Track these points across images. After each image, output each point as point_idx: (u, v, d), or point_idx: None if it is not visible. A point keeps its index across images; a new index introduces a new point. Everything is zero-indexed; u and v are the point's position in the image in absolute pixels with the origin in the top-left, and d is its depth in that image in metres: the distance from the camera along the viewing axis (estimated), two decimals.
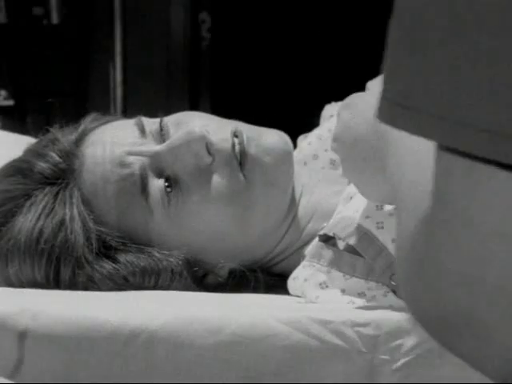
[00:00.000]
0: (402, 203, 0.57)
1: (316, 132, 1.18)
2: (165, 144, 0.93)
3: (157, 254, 0.91)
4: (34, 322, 0.74)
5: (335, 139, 0.80)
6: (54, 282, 0.90)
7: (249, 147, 0.93)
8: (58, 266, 0.90)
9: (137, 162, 0.92)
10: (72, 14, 3.28)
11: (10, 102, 3.25)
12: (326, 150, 1.14)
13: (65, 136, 0.97)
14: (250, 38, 3.35)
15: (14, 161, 0.98)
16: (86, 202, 0.92)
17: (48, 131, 1.00)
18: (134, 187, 0.91)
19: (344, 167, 0.81)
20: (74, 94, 3.28)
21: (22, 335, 0.74)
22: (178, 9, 3.28)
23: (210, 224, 0.92)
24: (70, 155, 0.94)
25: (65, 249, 0.90)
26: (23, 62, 3.26)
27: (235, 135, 0.94)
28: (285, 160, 0.95)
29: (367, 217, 0.85)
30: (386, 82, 0.45)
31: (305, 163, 1.12)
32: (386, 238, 0.83)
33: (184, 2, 3.27)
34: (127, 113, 3.22)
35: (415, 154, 0.62)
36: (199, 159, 0.92)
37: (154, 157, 0.92)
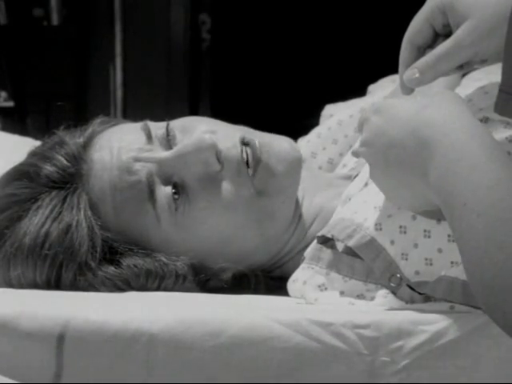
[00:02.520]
0: (467, 206, 0.63)
1: (315, 130, 1.18)
2: (173, 151, 0.92)
3: (163, 259, 0.91)
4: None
5: (365, 144, 0.80)
6: (54, 285, 0.91)
7: (261, 155, 0.93)
8: (60, 271, 0.90)
9: (143, 169, 0.92)
10: (72, 15, 3.28)
11: (10, 104, 3.25)
12: (324, 149, 1.14)
13: (72, 139, 0.96)
14: (250, 39, 3.35)
15: (20, 164, 0.98)
16: (93, 207, 0.92)
17: (53, 133, 1.00)
18: (141, 194, 0.91)
19: (373, 173, 0.81)
20: (73, 96, 3.28)
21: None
22: (178, 10, 3.28)
23: (217, 231, 0.92)
24: (79, 159, 0.93)
25: (68, 254, 0.89)
26: (23, 63, 3.26)
27: (244, 143, 0.94)
28: (295, 168, 0.95)
29: (366, 218, 0.85)
30: (505, 76, 0.48)
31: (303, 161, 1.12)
32: (385, 239, 0.83)
33: (184, 3, 3.27)
34: (127, 114, 3.23)
35: (472, 159, 0.65)
36: (208, 167, 0.91)
37: (162, 163, 0.92)
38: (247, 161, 0.93)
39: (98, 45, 3.31)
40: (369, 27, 3.26)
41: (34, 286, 0.91)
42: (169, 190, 0.91)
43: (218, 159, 0.92)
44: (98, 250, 0.90)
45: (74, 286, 0.90)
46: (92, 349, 0.74)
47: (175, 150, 0.92)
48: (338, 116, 1.15)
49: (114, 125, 1.00)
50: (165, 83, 3.30)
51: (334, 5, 3.32)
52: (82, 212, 0.91)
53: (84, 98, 3.31)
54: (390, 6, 3.16)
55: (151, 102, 3.13)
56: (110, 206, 0.92)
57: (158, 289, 0.91)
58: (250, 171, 0.92)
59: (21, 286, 0.91)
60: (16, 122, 3.17)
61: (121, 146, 0.93)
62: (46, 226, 0.90)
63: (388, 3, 3.20)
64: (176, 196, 0.91)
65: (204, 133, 0.93)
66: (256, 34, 3.35)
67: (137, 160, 0.92)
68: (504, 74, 0.67)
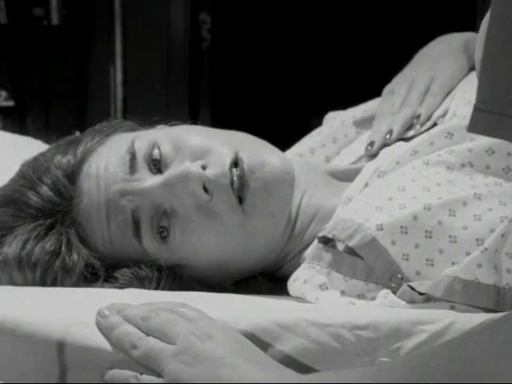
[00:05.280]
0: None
1: (318, 128, 1.17)
2: (160, 179, 0.91)
3: (161, 263, 0.92)
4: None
5: None
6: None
7: (249, 181, 0.91)
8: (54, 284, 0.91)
9: (129, 205, 0.91)
10: (72, 14, 3.28)
11: (10, 103, 3.25)
12: (323, 146, 1.14)
13: (62, 161, 0.94)
14: (250, 38, 3.35)
15: (9, 190, 0.97)
16: (82, 239, 0.92)
17: (46, 139, 0.99)
18: (128, 231, 0.91)
19: None
20: (74, 95, 3.29)
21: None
22: (178, 9, 3.28)
23: (209, 258, 0.92)
24: (67, 197, 0.93)
25: (61, 273, 0.90)
26: (23, 62, 3.26)
27: (235, 164, 0.92)
28: (285, 190, 0.94)
29: (367, 219, 0.85)
30: (479, 94, 0.49)
31: (300, 155, 1.12)
32: (386, 239, 0.83)
33: (184, 2, 3.27)
34: (127, 114, 3.24)
35: None
36: (197, 198, 0.90)
37: (148, 193, 0.91)
38: (236, 187, 0.91)
39: (97, 44, 3.31)
40: (371, 26, 3.26)
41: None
42: (157, 223, 0.91)
43: (206, 189, 0.90)
44: (88, 275, 0.91)
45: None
46: (95, 355, 0.73)
47: (162, 179, 0.91)
48: (341, 117, 1.15)
49: (106, 139, 0.97)
50: (165, 83, 3.30)
51: (336, 3, 3.32)
52: (73, 240, 0.91)
53: (84, 98, 3.31)
54: (395, 15, 3.17)
55: (151, 102, 3.13)
56: (99, 240, 0.92)
57: (156, 289, 0.91)
58: (239, 197, 0.91)
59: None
60: (16, 122, 3.17)
61: (107, 176, 0.92)
62: (29, 246, 0.90)
63: (392, 13, 3.20)
64: (165, 227, 0.91)
65: (194, 158, 0.92)
66: (256, 34, 3.35)
67: (122, 194, 0.91)
68: (478, 89, 0.66)
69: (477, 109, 0.50)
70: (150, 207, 0.91)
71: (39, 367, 0.73)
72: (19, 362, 0.74)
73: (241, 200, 0.91)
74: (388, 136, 0.99)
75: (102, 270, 0.91)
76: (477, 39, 0.67)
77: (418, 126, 0.99)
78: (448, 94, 1.02)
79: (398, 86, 1.05)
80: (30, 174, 0.96)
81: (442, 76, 1.03)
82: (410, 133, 0.99)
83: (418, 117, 0.99)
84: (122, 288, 0.90)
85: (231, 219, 0.91)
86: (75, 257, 0.90)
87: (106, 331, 0.73)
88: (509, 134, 0.49)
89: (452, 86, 1.02)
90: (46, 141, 1.19)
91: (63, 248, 0.90)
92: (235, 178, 0.91)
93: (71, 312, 0.77)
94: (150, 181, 0.92)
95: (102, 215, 0.92)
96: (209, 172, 0.91)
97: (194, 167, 0.90)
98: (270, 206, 0.93)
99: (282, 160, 0.96)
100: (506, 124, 0.48)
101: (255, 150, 0.95)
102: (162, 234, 0.91)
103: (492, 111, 0.49)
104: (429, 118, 1.00)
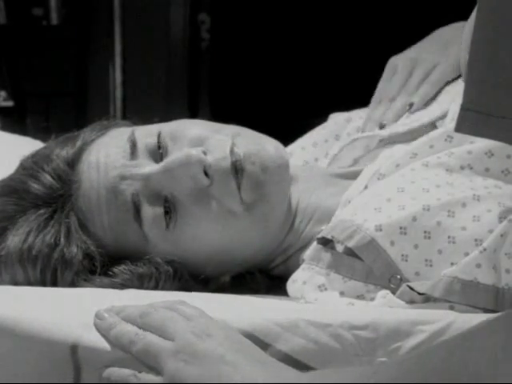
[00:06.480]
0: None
1: (324, 124, 1.18)
2: (160, 166, 0.92)
3: (158, 259, 0.92)
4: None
5: None
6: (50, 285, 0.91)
7: (245, 164, 0.92)
8: (55, 279, 0.91)
9: (129, 188, 0.91)
10: (72, 14, 3.28)
11: (10, 103, 3.24)
12: (326, 141, 1.15)
13: (62, 152, 0.96)
14: (250, 38, 3.35)
15: (10, 179, 0.98)
16: (82, 225, 0.92)
17: (46, 139, 1.00)
18: (128, 215, 0.91)
19: None
20: (73, 95, 3.28)
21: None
22: (177, 9, 3.28)
23: (208, 245, 0.93)
24: (66, 180, 0.93)
25: (60, 266, 0.90)
26: (23, 62, 3.26)
27: (232, 152, 0.93)
28: (281, 175, 0.94)
29: (366, 220, 0.85)
30: (466, 94, 0.50)
31: (302, 148, 1.12)
32: (385, 240, 0.84)
33: (183, 2, 3.27)
34: (127, 113, 3.23)
35: None
36: (197, 182, 0.91)
37: (148, 178, 0.91)
38: (234, 171, 0.92)
39: (97, 44, 3.31)
40: (373, 24, 3.26)
41: (29, 284, 0.92)
42: (157, 208, 0.91)
43: (207, 173, 0.91)
44: (87, 264, 0.91)
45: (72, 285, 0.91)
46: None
47: (162, 164, 0.92)
48: (348, 114, 1.15)
49: (105, 131, 0.98)
50: (164, 82, 3.30)
51: (335, 7, 3.32)
52: (73, 230, 0.91)
53: (84, 98, 3.31)
54: (397, 15, 3.17)
55: (151, 102, 3.13)
56: (99, 226, 0.92)
57: (155, 288, 0.92)
58: (237, 181, 0.92)
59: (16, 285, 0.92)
60: (15, 122, 3.16)
61: (107, 162, 0.93)
62: (32, 236, 0.91)
63: (395, 13, 3.21)
64: (166, 211, 0.91)
65: (193, 145, 0.92)
66: (256, 34, 3.35)
67: (122, 178, 0.92)
68: (465, 89, 0.66)
69: (463, 108, 0.52)
70: (149, 193, 0.91)
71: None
72: (19, 363, 0.74)
73: (239, 186, 0.92)
74: (379, 128, 1.02)
75: (101, 261, 0.91)
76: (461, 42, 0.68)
77: (408, 120, 1.01)
78: (448, 83, 1.03)
79: (402, 64, 1.06)
80: (31, 164, 0.97)
81: (445, 64, 1.03)
82: (403, 128, 1.00)
83: (411, 105, 1.01)
84: (122, 288, 0.90)
85: (229, 207, 0.91)
86: (74, 248, 0.90)
87: (104, 332, 0.73)
88: (495, 133, 0.50)
89: (454, 75, 1.03)
90: (46, 141, 1.19)
91: (62, 239, 0.91)
92: (234, 164, 0.92)
93: (83, 314, 0.77)
94: (149, 167, 0.92)
95: (102, 200, 0.92)
96: (209, 157, 0.91)
97: (195, 151, 0.91)
98: (267, 192, 0.93)
99: (277, 147, 0.97)
100: (492, 123, 0.49)
101: (251, 138, 0.96)
102: (159, 225, 0.91)
103: (478, 111, 0.50)
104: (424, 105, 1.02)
